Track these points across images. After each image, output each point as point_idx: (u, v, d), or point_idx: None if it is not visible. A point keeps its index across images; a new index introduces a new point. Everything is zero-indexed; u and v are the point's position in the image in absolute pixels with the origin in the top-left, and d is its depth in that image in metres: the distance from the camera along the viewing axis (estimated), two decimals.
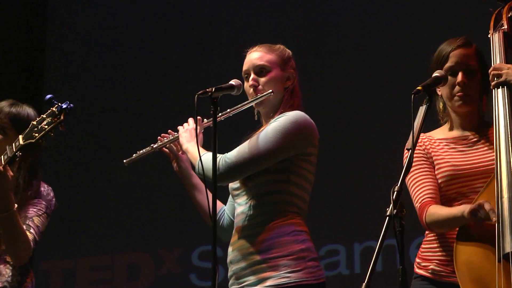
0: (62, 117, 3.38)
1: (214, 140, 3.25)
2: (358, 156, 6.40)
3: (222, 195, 3.58)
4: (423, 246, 3.58)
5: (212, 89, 3.29)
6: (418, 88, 3.06)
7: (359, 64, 6.56)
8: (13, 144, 3.45)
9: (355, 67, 6.57)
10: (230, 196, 3.62)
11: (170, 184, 5.80)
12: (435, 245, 3.52)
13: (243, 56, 3.64)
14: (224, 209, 3.69)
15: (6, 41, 7.30)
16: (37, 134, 3.40)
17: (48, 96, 3.41)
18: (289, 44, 3.71)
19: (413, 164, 3.47)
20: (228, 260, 3.46)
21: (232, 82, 3.46)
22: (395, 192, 2.83)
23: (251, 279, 3.35)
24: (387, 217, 2.79)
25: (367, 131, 6.41)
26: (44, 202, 3.71)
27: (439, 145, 3.55)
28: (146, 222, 6.80)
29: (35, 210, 3.67)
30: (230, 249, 3.47)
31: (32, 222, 3.63)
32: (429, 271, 3.50)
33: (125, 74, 7.18)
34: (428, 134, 3.61)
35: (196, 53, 7.02)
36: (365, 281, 2.69)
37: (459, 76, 3.49)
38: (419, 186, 3.50)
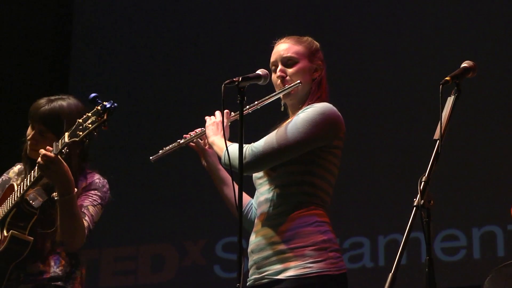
0: (105, 117, 3.39)
1: (240, 130, 3.24)
2: (383, 148, 6.39)
3: (249, 189, 3.59)
4: None
5: (239, 79, 3.27)
6: (446, 78, 3.04)
7: (381, 54, 6.55)
8: (60, 141, 3.47)
9: (376, 57, 6.56)
10: (255, 186, 3.62)
11: (195, 176, 5.82)
12: None
13: (270, 48, 3.62)
14: (251, 203, 3.68)
15: (33, 35, 7.35)
16: (81, 133, 3.42)
17: (93, 95, 3.42)
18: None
19: None
20: (249, 250, 3.46)
21: (259, 71, 3.44)
22: (423, 183, 2.81)
23: (273, 268, 3.34)
24: (414, 208, 2.77)
25: (392, 122, 6.40)
26: (99, 193, 3.75)
27: None
28: (170, 213, 6.82)
29: (90, 200, 3.71)
30: (252, 238, 3.46)
31: (87, 210, 3.66)
32: None
33: (151, 67, 7.21)
34: None
35: (221, 45, 7.03)
36: (392, 272, 2.67)
37: None
38: None
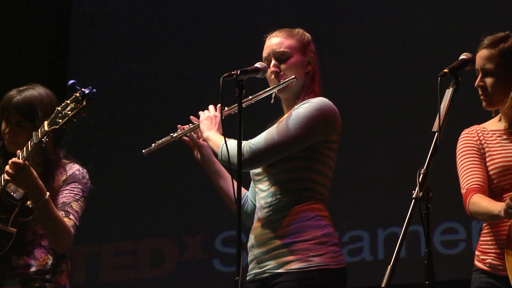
0: (84, 103, 3.39)
1: (239, 124, 3.24)
2: (381, 141, 6.38)
3: (244, 181, 3.59)
4: (481, 238, 3.57)
5: (237, 72, 3.27)
6: (444, 70, 3.04)
7: (378, 46, 6.55)
8: (39, 130, 3.46)
9: (373, 49, 6.55)
10: (252, 182, 3.62)
11: (193, 170, 5.81)
12: (491, 238, 3.50)
13: (262, 42, 3.61)
14: (247, 195, 3.69)
15: (31, 24, 7.33)
16: (60, 120, 3.41)
17: (71, 81, 3.42)
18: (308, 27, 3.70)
19: (465, 153, 3.56)
20: (249, 245, 3.46)
21: (258, 64, 3.42)
22: (421, 175, 2.81)
23: (273, 263, 3.35)
24: (413, 200, 2.77)
25: (391, 115, 6.39)
26: (80, 186, 3.71)
27: (492, 136, 3.56)
28: (169, 208, 6.82)
29: (72, 195, 3.68)
30: (252, 233, 3.47)
31: (71, 208, 3.64)
32: (487, 265, 3.49)
33: (149, 62, 7.20)
34: (482, 125, 3.63)
35: (219, 39, 7.03)
36: (391, 264, 2.67)
37: (477, 80, 3.53)
38: (467, 173, 3.52)
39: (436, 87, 2.96)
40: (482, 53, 3.52)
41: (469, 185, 3.48)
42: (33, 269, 3.63)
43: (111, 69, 7.24)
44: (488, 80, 3.51)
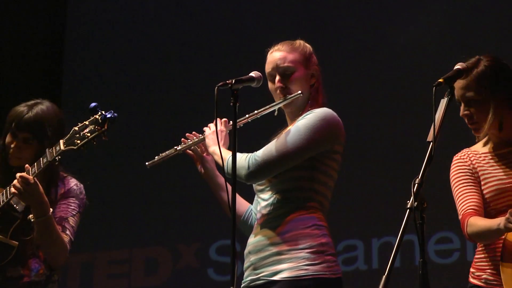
0: (105, 127, 3.37)
1: (234, 133, 3.24)
2: (376, 151, 6.38)
3: (248, 194, 3.59)
4: (476, 256, 3.57)
5: (232, 81, 3.28)
6: (439, 80, 3.05)
7: (374, 56, 6.55)
8: (53, 148, 3.44)
9: (370, 59, 6.56)
10: (255, 192, 3.62)
11: (188, 179, 5.81)
12: (487, 254, 3.51)
13: (263, 53, 3.62)
14: (251, 208, 3.69)
15: (26, 41, 7.32)
16: (79, 141, 3.40)
17: (93, 104, 3.41)
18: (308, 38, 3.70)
19: (458, 179, 3.57)
20: (246, 251, 3.47)
21: (252, 74, 3.43)
22: (416, 185, 2.82)
23: (269, 269, 3.36)
24: (408, 210, 2.77)
25: (385, 125, 6.40)
26: (77, 201, 3.72)
27: (484, 159, 3.57)
28: (164, 216, 6.81)
29: (69, 210, 3.69)
30: (250, 240, 3.48)
31: (68, 223, 3.65)
32: (482, 281, 3.50)
33: (145, 71, 7.19)
34: (472, 148, 3.64)
35: (215, 48, 7.03)
36: (385, 274, 2.67)
37: (461, 110, 3.53)
38: (463, 199, 3.52)
39: (431, 97, 2.96)
40: (459, 83, 3.49)
41: (464, 210, 3.49)
42: (27, 280, 3.63)
43: (108, 79, 7.22)
44: (472, 108, 3.52)
